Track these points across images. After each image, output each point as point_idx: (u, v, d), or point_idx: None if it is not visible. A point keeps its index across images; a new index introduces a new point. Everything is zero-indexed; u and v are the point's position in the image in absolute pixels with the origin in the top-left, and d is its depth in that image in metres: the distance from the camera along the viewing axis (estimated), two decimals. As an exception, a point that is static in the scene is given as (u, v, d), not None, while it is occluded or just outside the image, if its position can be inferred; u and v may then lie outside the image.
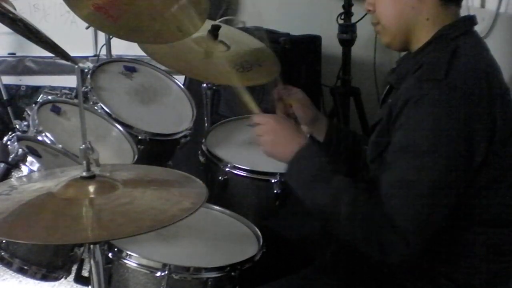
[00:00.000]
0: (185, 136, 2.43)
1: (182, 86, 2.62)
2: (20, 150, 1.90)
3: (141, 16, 2.15)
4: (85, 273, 2.03)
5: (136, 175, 1.54)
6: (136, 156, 2.24)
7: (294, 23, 3.29)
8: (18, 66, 3.72)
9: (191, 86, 2.77)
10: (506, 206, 1.54)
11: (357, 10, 3.07)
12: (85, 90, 2.32)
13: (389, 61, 3.37)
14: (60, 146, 2.04)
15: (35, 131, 2.05)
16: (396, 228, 1.44)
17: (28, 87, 3.74)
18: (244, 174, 2.13)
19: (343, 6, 3.05)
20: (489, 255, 1.54)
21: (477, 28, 1.65)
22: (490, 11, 2.37)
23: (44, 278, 1.92)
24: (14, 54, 3.72)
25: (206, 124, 2.53)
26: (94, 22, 2.16)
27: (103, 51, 3.13)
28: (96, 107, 2.31)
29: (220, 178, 2.15)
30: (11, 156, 1.90)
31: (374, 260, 1.54)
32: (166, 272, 1.67)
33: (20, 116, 2.30)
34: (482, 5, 2.49)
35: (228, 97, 3.03)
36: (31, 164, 1.89)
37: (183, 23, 2.17)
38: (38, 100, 2.29)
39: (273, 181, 2.09)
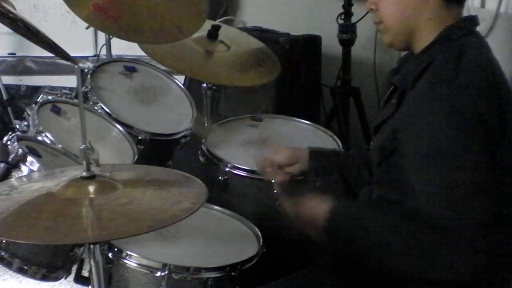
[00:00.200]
0: (185, 136, 2.43)
1: (182, 86, 2.62)
2: (20, 150, 1.90)
3: (141, 16, 2.16)
4: (85, 273, 2.03)
5: (136, 175, 1.54)
6: (136, 156, 2.24)
7: (294, 23, 3.29)
8: (18, 66, 3.72)
9: (191, 86, 2.78)
10: (507, 206, 1.54)
11: (357, 10, 3.07)
12: (85, 90, 2.32)
13: (389, 61, 3.38)
14: (60, 146, 2.04)
15: (35, 131, 2.05)
16: (454, 236, 1.42)
17: (28, 87, 3.74)
18: (244, 174, 2.13)
19: (343, 6, 3.05)
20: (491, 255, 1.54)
21: (477, 28, 1.65)
22: (490, 11, 2.37)
23: (44, 278, 1.92)
24: (14, 54, 3.72)
25: (206, 124, 2.53)
26: (94, 22, 2.16)
27: (103, 51, 3.13)
28: (96, 107, 2.31)
29: (220, 178, 2.15)
30: (11, 156, 1.90)
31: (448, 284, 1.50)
32: (166, 272, 1.67)
33: (20, 116, 2.29)
34: (482, 5, 2.49)
35: (228, 97, 3.03)
36: (31, 164, 1.89)
37: (183, 23, 2.17)
38: (38, 100, 2.29)
39: (273, 181, 2.09)
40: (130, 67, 2.55)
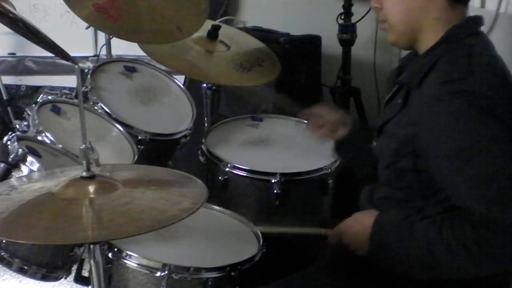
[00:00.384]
0: (185, 136, 2.43)
1: (182, 86, 2.62)
2: (20, 150, 1.90)
3: (141, 16, 2.16)
4: (85, 273, 2.03)
5: (136, 175, 1.54)
6: (136, 156, 2.24)
7: (294, 23, 3.29)
8: (18, 66, 3.72)
9: (191, 86, 2.77)
10: None
11: (357, 10, 3.07)
12: (85, 90, 2.32)
13: (389, 61, 3.38)
14: (60, 146, 2.04)
15: (35, 131, 2.05)
16: (498, 228, 1.41)
17: (28, 87, 3.74)
18: (244, 174, 2.13)
19: (343, 6, 3.05)
20: None
21: (477, 28, 1.65)
22: (490, 11, 2.37)
23: (44, 278, 1.92)
24: (14, 54, 3.72)
25: (206, 124, 2.53)
26: (94, 22, 2.16)
27: (103, 51, 3.13)
28: (96, 107, 2.31)
29: (220, 178, 2.15)
30: (11, 156, 1.90)
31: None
32: (166, 272, 1.67)
33: (20, 116, 2.29)
34: (482, 5, 2.49)
35: (228, 97, 3.03)
36: (31, 164, 1.89)
37: (183, 23, 2.17)
38: (38, 100, 2.29)
39: (273, 181, 2.09)
40: (130, 67, 2.55)
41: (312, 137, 2.12)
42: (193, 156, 2.37)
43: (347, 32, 3.05)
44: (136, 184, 1.45)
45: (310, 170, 2.15)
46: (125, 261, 1.73)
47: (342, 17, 3.07)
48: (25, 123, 2.15)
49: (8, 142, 1.98)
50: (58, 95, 2.42)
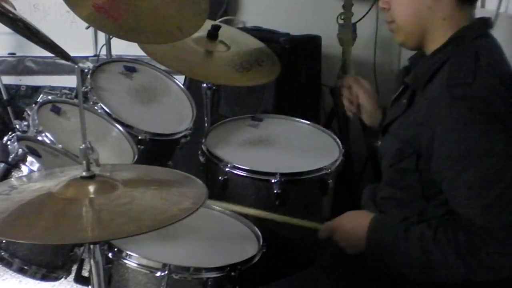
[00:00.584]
0: (185, 136, 2.43)
1: (182, 86, 2.62)
2: (20, 150, 1.90)
3: (141, 16, 2.16)
4: (85, 273, 2.02)
5: (136, 175, 1.54)
6: (136, 156, 2.24)
7: (294, 23, 3.29)
8: (18, 66, 3.71)
9: (191, 86, 2.77)
10: None
11: (357, 10, 3.07)
12: (85, 90, 2.32)
13: (389, 61, 3.38)
14: (60, 146, 2.04)
15: (35, 131, 2.05)
16: (491, 236, 1.42)
17: (28, 87, 3.74)
18: (244, 174, 2.13)
19: (343, 6, 3.05)
20: None
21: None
22: (490, 11, 2.37)
23: (44, 278, 1.92)
24: (14, 54, 3.71)
25: (206, 124, 2.53)
26: (94, 22, 2.16)
27: (103, 51, 3.13)
28: (96, 107, 2.31)
29: (220, 178, 2.15)
30: (11, 156, 1.90)
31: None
32: (166, 272, 1.67)
33: (20, 116, 2.29)
34: (482, 5, 2.49)
35: (228, 97, 3.03)
36: (31, 164, 1.89)
37: (183, 23, 2.17)
38: (38, 100, 2.29)
39: (273, 181, 2.09)
40: (130, 67, 2.55)
41: (312, 136, 2.12)
42: (193, 156, 2.37)
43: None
44: (136, 184, 1.45)
45: (310, 170, 2.15)
46: (125, 261, 1.73)
47: (342, 17, 3.07)
48: (25, 123, 2.14)
49: (8, 142, 1.97)
50: (58, 95, 2.41)
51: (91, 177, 1.40)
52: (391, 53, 3.35)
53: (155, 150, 2.36)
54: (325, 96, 3.29)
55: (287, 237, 1.93)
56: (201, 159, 2.28)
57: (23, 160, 1.90)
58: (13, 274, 2.45)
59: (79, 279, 2.06)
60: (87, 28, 2.62)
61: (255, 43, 2.58)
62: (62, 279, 2.00)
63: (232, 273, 1.71)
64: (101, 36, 3.28)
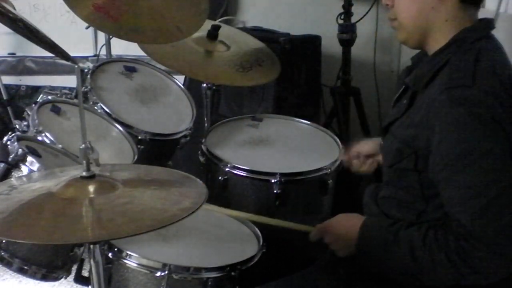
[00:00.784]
0: (185, 136, 2.43)
1: (182, 86, 2.62)
2: (20, 150, 1.90)
3: (141, 16, 2.15)
4: (85, 273, 2.03)
5: (136, 175, 1.54)
6: (136, 156, 2.24)
7: (294, 23, 3.29)
8: (18, 66, 3.72)
9: (191, 86, 2.78)
10: None
11: (357, 10, 3.07)
12: (85, 90, 2.32)
13: (389, 61, 3.38)
14: (60, 146, 2.04)
15: (35, 131, 2.05)
16: (480, 242, 1.42)
17: (28, 87, 3.74)
18: (244, 174, 2.13)
19: (343, 6, 3.05)
20: None
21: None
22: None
23: (44, 278, 1.92)
24: (14, 54, 3.72)
25: (206, 124, 2.53)
26: (94, 22, 2.16)
27: (103, 51, 3.13)
28: (96, 107, 2.31)
29: (220, 178, 2.15)
30: (11, 156, 1.90)
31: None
32: (166, 272, 1.67)
33: (20, 116, 2.29)
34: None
35: (228, 97, 3.03)
36: (31, 164, 1.89)
37: (183, 23, 2.17)
38: (38, 100, 2.29)
39: (273, 181, 2.09)
40: (130, 67, 2.55)
41: (312, 136, 2.12)
42: (193, 156, 2.37)
43: (347, 32, 3.05)
44: (136, 184, 1.45)
45: (310, 170, 2.15)
46: (125, 261, 1.73)
47: (342, 17, 3.07)
48: (25, 123, 2.15)
49: (8, 142, 1.97)
50: (58, 95, 2.41)
51: (91, 177, 1.40)
52: (391, 53, 3.36)
53: (155, 150, 2.36)
54: (325, 96, 3.29)
55: (287, 237, 1.93)
56: (201, 159, 2.28)
57: (23, 160, 1.90)
58: (13, 274, 2.45)
59: (79, 279, 2.06)
60: (87, 28, 2.63)
61: (255, 43, 2.58)
62: (62, 279, 2.00)
63: (232, 273, 1.71)
64: (101, 36, 3.28)
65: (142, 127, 2.32)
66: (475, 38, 1.57)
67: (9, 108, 3.50)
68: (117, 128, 2.30)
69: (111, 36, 2.94)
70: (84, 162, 1.40)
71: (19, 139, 1.97)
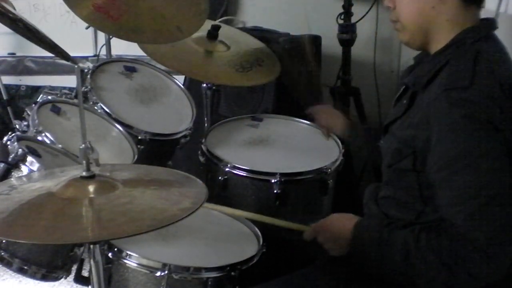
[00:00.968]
0: (185, 136, 2.43)
1: (182, 86, 2.62)
2: (20, 150, 1.90)
3: (141, 16, 2.16)
4: (85, 273, 2.03)
5: (136, 175, 1.54)
6: (136, 156, 2.24)
7: (294, 23, 3.29)
8: (18, 66, 3.72)
9: (191, 86, 2.77)
10: None
11: (357, 10, 3.07)
12: (85, 90, 2.32)
13: (389, 61, 3.37)
14: (60, 146, 2.04)
15: (35, 131, 2.05)
16: (473, 245, 1.42)
17: (28, 87, 3.74)
18: (244, 174, 2.12)
19: (343, 6, 3.05)
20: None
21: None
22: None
23: (44, 278, 1.92)
24: (14, 54, 3.72)
25: (206, 124, 2.53)
26: (94, 22, 2.16)
27: (103, 51, 3.13)
28: (96, 107, 2.31)
29: (220, 178, 2.15)
30: (11, 156, 1.90)
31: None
32: (166, 272, 1.67)
33: (20, 116, 2.29)
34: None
35: (228, 97, 3.03)
36: (31, 164, 1.89)
37: (183, 23, 2.17)
38: (38, 100, 2.29)
39: (273, 181, 2.09)
40: (130, 67, 2.55)
41: (312, 136, 2.13)
42: (193, 156, 2.37)
43: (347, 32, 3.05)
44: (136, 184, 1.45)
45: (310, 170, 2.15)
46: (125, 261, 1.73)
47: (342, 17, 3.07)
48: (25, 123, 2.15)
49: (8, 142, 1.98)
50: (58, 95, 2.41)
51: (91, 177, 1.40)
52: (391, 53, 3.35)
53: (155, 150, 2.36)
54: (325, 96, 3.29)
55: (287, 237, 1.93)
56: (201, 159, 2.28)
57: (23, 160, 1.90)
58: (13, 274, 2.45)
59: (79, 279, 2.06)
60: (87, 28, 2.62)
61: (255, 43, 2.58)
62: (62, 279, 2.00)
63: (232, 273, 1.71)
64: (101, 36, 3.28)
65: (142, 127, 2.32)
66: (475, 38, 1.56)
67: (9, 108, 3.50)
68: (117, 128, 2.30)
69: (111, 36, 2.94)
70: (84, 162, 1.40)
71: (19, 139, 1.97)
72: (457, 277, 1.45)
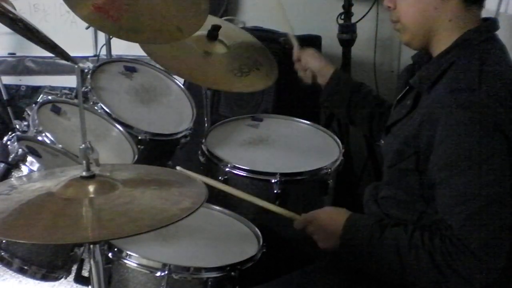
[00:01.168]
0: (185, 136, 2.43)
1: (182, 86, 2.62)
2: (20, 150, 1.90)
3: (141, 16, 2.15)
4: (85, 273, 2.03)
5: (136, 175, 1.54)
6: (136, 156, 2.24)
7: (294, 23, 3.28)
8: (18, 66, 3.72)
9: (191, 86, 2.77)
10: None
11: (357, 10, 3.07)
12: (85, 90, 2.32)
13: (389, 61, 3.38)
14: (60, 146, 2.04)
15: (35, 131, 2.05)
16: (466, 248, 1.42)
17: (28, 87, 3.75)
18: (244, 174, 2.13)
19: (343, 6, 3.05)
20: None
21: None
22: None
23: (44, 278, 1.92)
24: (14, 54, 3.72)
25: (206, 124, 2.53)
26: (94, 22, 2.16)
27: (103, 51, 3.13)
28: (96, 107, 2.31)
29: (220, 178, 2.15)
30: (11, 156, 1.90)
31: None
32: (166, 272, 1.67)
33: (20, 116, 2.29)
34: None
35: (228, 97, 3.03)
36: (31, 164, 1.89)
37: (183, 23, 2.17)
38: (38, 100, 2.29)
39: (273, 181, 2.09)
40: (130, 67, 2.55)
41: (312, 136, 2.13)
42: (193, 156, 2.37)
43: (347, 32, 3.05)
44: (136, 184, 1.45)
45: (310, 170, 2.15)
46: (125, 261, 1.73)
47: (342, 17, 3.07)
48: (25, 123, 2.15)
49: (8, 142, 1.98)
50: (58, 95, 2.41)
51: (91, 177, 1.40)
52: (391, 53, 3.35)
53: (155, 150, 2.36)
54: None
55: (287, 236, 1.93)
56: (201, 159, 2.28)
57: (23, 160, 1.90)
58: (13, 274, 2.45)
59: (79, 279, 2.06)
60: (87, 28, 2.63)
61: (254, 42, 2.57)
62: (62, 279, 2.00)
63: (232, 273, 1.71)
64: (101, 36, 3.29)
65: (142, 127, 2.32)
66: (480, 39, 1.56)
67: (9, 108, 3.50)
68: (117, 128, 2.30)
69: (111, 36, 2.94)
70: (84, 162, 1.40)
71: (19, 139, 1.97)
72: (448, 278, 1.45)
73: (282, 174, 2.10)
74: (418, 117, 1.57)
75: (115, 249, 1.75)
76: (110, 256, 1.75)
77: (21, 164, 1.90)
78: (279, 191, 2.09)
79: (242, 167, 2.13)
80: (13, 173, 1.90)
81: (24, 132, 2.11)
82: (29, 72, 3.72)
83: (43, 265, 1.90)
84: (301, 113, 2.59)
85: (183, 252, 1.80)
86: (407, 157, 1.59)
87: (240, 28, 2.82)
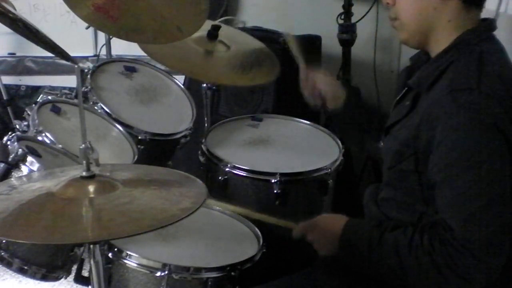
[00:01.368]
0: (185, 136, 2.43)
1: (182, 86, 2.62)
2: (20, 150, 1.90)
3: (141, 16, 2.15)
4: (85, 273, 2.03)
5: (136, 175, 1.54)
6: (136, 156, 2.24)
7: (294, 23, 3.29)
8: (18, 66, 3.72)
9: (191, 86, 2.77)
10: None
11: (357, 10, 3.07)
12: (85, 90, 2.32)
13: (389, 61, 3.38)
14: (60, 146, 2.04)
15: (35, 131, 2.05)
16: (466, 248, 1.42)
17: (28, 87, 3.74)
18: (244, 174, 2.13)
19: (343, 6, 3.05)
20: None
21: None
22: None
23: (44, 278, 1.92)
24: (14, 54, 3.72)
25: (206, 124, 2.53)
26: (94, 22, 2.16)
27: (103, 51, 3.13)
28: (96, 107, 2.31)
29: (220, 178, 2.15)
30: (11, 156, 1.90)
31: None
32: (166, 272, 1.67)
33: (20, 116, 2.29)
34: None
35: (228, 97, 3.03)
36: (31, 164, 1.89)
37: (183, 23, 2.17)
38: (38, 100, 2.29)
39: (273, 181, 2.09)
40: (130, 67, 2.55)
41: (312, 136, 2.12)
42: (193, 156, 2.37)
43: (347, 32, 3.05)
44: (136, 184, 1.45)
45: (310, 170, 2.15)
46: (125, 261, 1.73)
47: (342, 17, 3.07)
48: (25, 123, 2.15)
49: (8, 142, 1.97)
50: (58, 95, 2.42)
51: (91, 177, 1.40)
52: (391, 53, 3.35)
53: (155, 150, 2.36)
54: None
55: (287, 237, 1.93)
56: (201, 159, 2.28)
57: (23, 160, 1.90)
58: (13, 274, 2.45)
59: (79, 279, 2.07)
60: (87, 28, 2.62)
61: (255, 43, 2.58)
62: (62, 279, 2.00)
63: (232, 273, 1.71)
64: (101, 36, 3.28)
65: (142, 127, 2.32)
66: (478, 40, 1.56)
67: (9, 108, 3.50)
68: (117, 128, 2.30)
69: (111, 36, 2.94)
70: (84, 162, 1.40)
71: (19, 139, 1.97)
72: (449, 279, 1.45)
73: (282, 174, 2.10)
74: (417, 118, 1.56)
75: (115, 249, 1.75)
76: (110, 256, 1.75)
77: (21, 164, 1.90)
78: (279, 191, 2.09)
79: (242, 167, 2.13)
80: (13, 173, 1.90)
81: (24, 132, 2.11)
82: (29, 72, 3.72)
83: (43, 265, 1.90)
84: (301, 113, 2.58)
85: (183, 252, 1.80)
86: (407, 158, 1.59)
87: (237, 29, 2.82)
